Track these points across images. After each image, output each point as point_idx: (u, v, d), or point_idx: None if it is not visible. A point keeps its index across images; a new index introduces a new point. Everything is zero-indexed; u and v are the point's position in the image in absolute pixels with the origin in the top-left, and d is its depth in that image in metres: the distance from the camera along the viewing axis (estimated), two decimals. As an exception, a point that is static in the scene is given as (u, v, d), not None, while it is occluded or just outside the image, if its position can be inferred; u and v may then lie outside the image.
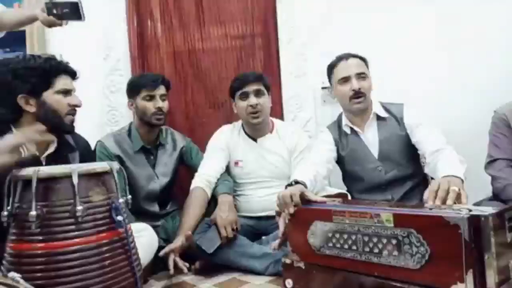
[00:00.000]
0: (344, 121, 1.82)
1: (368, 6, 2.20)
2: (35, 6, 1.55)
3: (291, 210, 1.32)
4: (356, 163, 1.80)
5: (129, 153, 1.94)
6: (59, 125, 1.41)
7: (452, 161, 1.41)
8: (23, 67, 1.35)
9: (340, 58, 1.78)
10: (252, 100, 1.87)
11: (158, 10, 2.43)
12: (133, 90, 1.96)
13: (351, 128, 1.81)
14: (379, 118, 1.78)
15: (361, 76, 1.73)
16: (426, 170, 1.62)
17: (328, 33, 2.23)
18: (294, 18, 2.27)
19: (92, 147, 1.76)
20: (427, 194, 1.28)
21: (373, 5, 2.20)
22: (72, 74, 1.46)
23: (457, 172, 1.31)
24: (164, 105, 1.93)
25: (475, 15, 2.09)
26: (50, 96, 1.38)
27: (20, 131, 1.31)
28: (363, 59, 1.78)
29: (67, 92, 1.42)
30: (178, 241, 1.62)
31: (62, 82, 1.40)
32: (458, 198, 1.19)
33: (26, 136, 1.21)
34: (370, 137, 1.78)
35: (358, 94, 1.71)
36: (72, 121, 1.45)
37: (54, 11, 1.47)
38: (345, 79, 1.74)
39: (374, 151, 1.77)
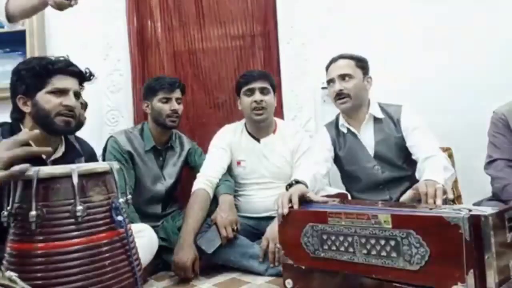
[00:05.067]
0: (341, 120, 1.84)
1: (368, 6, 2.20)
2: None
3: (285, 210, 1.31)
4: (353, 162, 1.80)
5: (139, 151, 1.95)
6: (49, 126, 1.36)
7: (436, 168, 1.48)
8: (22, 68, 1.36)
9: (331, 61, 1.82)
10: (257, 96, 1.87)
11: (158, 10, 2.43)
12: (150, 91, 1.98)
13: (348, 128, 1.81)
14: (375, 119, 1.78)
15: (345, 77, 1.74)
16: (417, 175, 1.64)
17: (328, 33, 2.23)
18: (294, 18, 2.27)
19: (96, 152, 1.75)
20: (407, 195, 1.36)
21: (373, 5, 2.20)
22: (73, 74, 1.41)
23: (437, 177, 1.38)
24: (180, 108, 1.96)
25: (474, 15, 2.09)
26: (42, 96, 1.35)
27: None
28: (355, 59, 1.77)
29: (61, 92, 1.36)
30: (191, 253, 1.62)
31: (57, 82, 1.36)
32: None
33: (14, 152, 1.03)
34: (367, 138, 1.79)
35: (340, 95, 1.74)
36: (67, 122, 1.37)
37: None
38: (331, 81, 1.79)
39: (371, 151, 1.77)
